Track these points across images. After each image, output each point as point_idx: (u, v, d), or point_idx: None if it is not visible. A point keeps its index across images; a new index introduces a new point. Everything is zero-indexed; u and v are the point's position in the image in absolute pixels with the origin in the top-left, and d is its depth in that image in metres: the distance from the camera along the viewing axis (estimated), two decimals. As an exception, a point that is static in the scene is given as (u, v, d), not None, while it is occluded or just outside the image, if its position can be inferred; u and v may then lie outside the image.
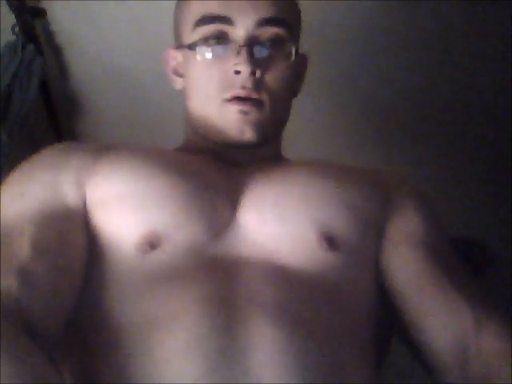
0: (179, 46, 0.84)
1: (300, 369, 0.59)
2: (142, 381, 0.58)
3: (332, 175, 0.78)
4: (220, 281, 0.65)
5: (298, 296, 0.66)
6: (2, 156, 1.23)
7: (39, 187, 0.72)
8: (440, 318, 0.70)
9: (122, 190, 0.71)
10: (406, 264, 0.74)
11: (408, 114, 1.49)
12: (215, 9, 0.77)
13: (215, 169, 0.78)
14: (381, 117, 1.51)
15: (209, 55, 0.77)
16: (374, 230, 0.75)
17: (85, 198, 0.72)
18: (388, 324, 0.76)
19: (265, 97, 0.77)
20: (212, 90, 0.77)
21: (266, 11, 0.77)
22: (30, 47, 1.31)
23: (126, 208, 0.70)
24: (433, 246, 0.76)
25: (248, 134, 0.77)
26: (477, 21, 1.27)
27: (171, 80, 0.88)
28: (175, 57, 0.86)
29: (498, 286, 2.11)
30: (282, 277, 0.67)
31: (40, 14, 1.29)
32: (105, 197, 0.71)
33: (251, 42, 0.76)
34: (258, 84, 0.76)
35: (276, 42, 0.78)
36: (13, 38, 1.30)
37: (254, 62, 0.75)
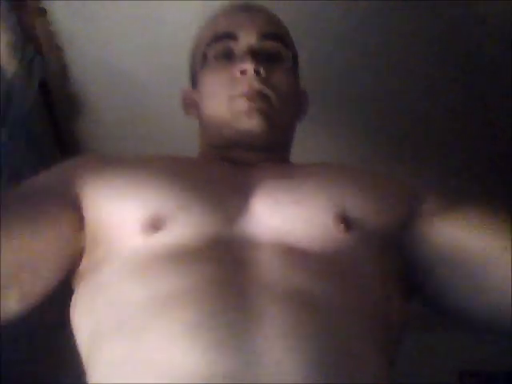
0: (193, 79, 0.93)
1: (305, 349, 0.59)
2: (152, 357, 0.60)
3: (351, 167, 0.83)
4: (230, 261, 0.66)
5: (309, 277, 0.66)
6: (1, 156, 1.23)
7: (40, 179, 0.76)
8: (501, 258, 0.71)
9: (123, 176, 0.74)
10: (445, 226, 0.75)
11: (408, 115, 1.49)
12: (221, 28, 0.86)
13: (225, 166, 0.81)
14: (380, 117, 1.51)
15: (217, 66, 0.84)
16: (391, 211, 0.75)
17: (83, 187, 0.75)
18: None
19: (271, 93, 0.81)
20: (220, 92, 0.83)
21: (264, 27, 0.85)
22: (30, 47, 1.31)
23: (129, 193, 0.72)
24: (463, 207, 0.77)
25: (256, 121, 0.80)
26: (477, 21, 1.27)
27: (186, 113, 0.97)
28: (190, 95, 0.94)
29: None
30: (294, 258, 0.67)
31: (40, 13, 1.29)
32: (107, 184, 0.74)
33: (253, 50, 0.82)
34: (263, 81, 0.81)
35: (275, 53, 0.85)
36: (13, 38, 1.30)
37: (258, 62, 0.80)
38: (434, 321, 2.15)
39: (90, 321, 0.70)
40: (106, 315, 0.67)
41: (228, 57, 0.84)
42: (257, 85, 0.80)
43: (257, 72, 0.80)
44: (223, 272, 0.65)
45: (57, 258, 0.72)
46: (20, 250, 0.67)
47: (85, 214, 0.74)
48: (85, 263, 0.74)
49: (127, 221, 0.70)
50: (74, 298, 0.75)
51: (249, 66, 0.80)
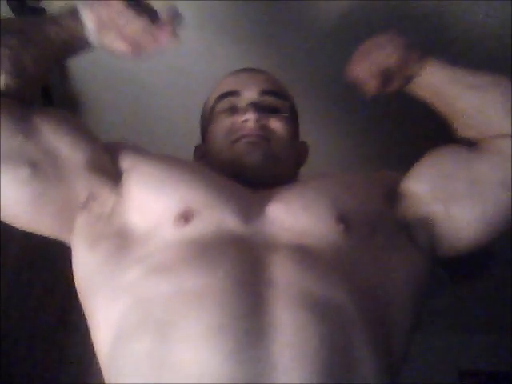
0: (203, 135, 1.03)
1: (314, 357, 0.65)
2: (179, 355, 0.65)
3: (342, 174, 0.94)
4: (248, 262, 0.72)
5: (319, 277, 0.72)
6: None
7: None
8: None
9: (164, 170, 0.83)
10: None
11: (408, 115, 1.49)
12: (226, 87, 0.97)
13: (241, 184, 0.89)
14: (381, 117, 1.51)
15: (223, 118, 0.94)
16: (379, 201, 0.86)
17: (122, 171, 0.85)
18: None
19: (271, 136, 0.91)
20: (225, 138, 0.92)
21: (265, 85, 0.96)
22: (30, 47, 1.31)
23: (168, 186, 0.80)
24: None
25: (257, 156, 0.88)
26: (477, 20, 1.27)
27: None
28: (200, 149, 1.03)
29: (498, 285, 2.12)
30: (306, 259, 0.74)
31: (40, 13, 1.29)
32: (146, 176, 0.83)
33: (254, 103, 0.92)
34: (264, 128, 0.90)
35: (273, 106, 0.95)
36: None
37: (258, 113, 0.90)
38: (434, 321, 2.15)
39: (117, 313, 0.73)
40: (134, 309, 0.71)
41: (232, 111, 0.93)
42: (257, 129, 0.89)
43: (257, 121, 0.90)
44: (242, 272, 0.71)
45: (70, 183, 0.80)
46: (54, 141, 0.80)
47: (124, 186, 0.82)
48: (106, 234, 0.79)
49: (164, 210, 0.78)
50: (92, 290, 0.78)
51: (250, 116, 0.90)
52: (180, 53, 1.33)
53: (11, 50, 0.80)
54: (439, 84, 0.91)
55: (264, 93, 0.95)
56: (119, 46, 0.86)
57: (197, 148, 1.05)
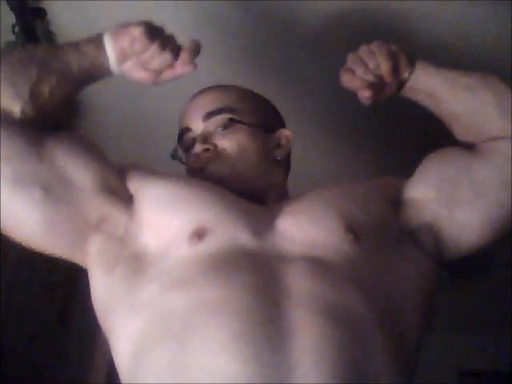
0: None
1: (332, 364, 0.67)
2: (200, 361, 0.67)
3: (347, 184, 0.96)
4: (264, 274, 0.74)
5: (333, 286, 0.74)
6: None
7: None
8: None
9: (174, 191, 0.86)
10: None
11: (408, 116, 1.49)
12: (181, 125, 1.00)
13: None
14: (381, 117, 1.51)
15: (187, 159, 0.98)
16: (384, 207, 0.88)
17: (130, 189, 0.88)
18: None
19: (220, 157, 0.93)
20: (193, 174, 0.95)
21: (207, 107, 0.97)
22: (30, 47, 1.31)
23: (180, 207, 0.84)
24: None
25: (217, 167, 0.91)
26: (477, 21, 1.27)
27: None
28: None
29: (498, 285, 2.12)
30: (319, 269, 0.76)
31: (40, 13, 1.29)
32: (158, 198, 0.86)
33: (202, 133, 0.95)
34: (215, 153, 0.93)
35: (223, 123, 0.95)
36: (13, 38, 1.31)
37: (204, 142, 0.94)
38: (434, 321, 2.15)
39: (137, 330, 0.75)
40: (154, 324, 0.74)
41: (189, 149, 0.97)
42: (203, 154, 0.93)
43: (207, 150, 0.93)
44: (258, 282, 0.73)
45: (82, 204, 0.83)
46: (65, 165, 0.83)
47: (135, 208, 0.85)
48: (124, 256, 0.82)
49: (178, 229, 0.80)
50: (110, 310, 0.81)
51: (198, 148, 0.94)
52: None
53: (30, 80, 0.83)
54: (431, 87, 0.92)
55: (207, 117, 0.96)
56: (139, 75, 0.88)
57: None
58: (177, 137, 1.00)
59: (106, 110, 1.53)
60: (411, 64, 0.91)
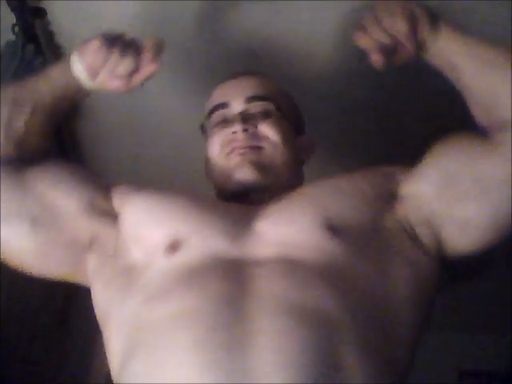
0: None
1: (294, 365, 0.65)
2: (164, 372, 0.68)
3: (333, 179, 0.92)
4: (234, 280, 0.74)
5: (303, 286, 0.73)
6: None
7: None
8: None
9: (151, 205, 0.87)
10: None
11: (407, 115, 1.49)
12: (216, 100, 1.00)
13: (237, 204, 0.91)
14: (381, 117, 1.51)
15: (216, 132, 0.97)
16: (372, 203, 0.85)
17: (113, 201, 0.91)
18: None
19: (264, 143, 0.93)
20: (218, 152, 0.96)
21: (250, 91, 0.98)
22: (30, 47, 1.31)
23: (156, 220, 0.85)
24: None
25: (248, 173, 0.91)
26: (477, 21, 1.27)
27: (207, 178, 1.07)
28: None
29: (498, 286, 2.11)
30: (290, 270, 0.75)
31: (40, 13, 1.29)
32: (137, 212, 0.87)
33: (242, 113, 0.95)
34: (253, 135, 0.93)
35: (262, 111, 0.96)
36: (13, 37, 1.30)
37: (245, 122, 0.93)
38: (434, 321, 2.15)
39: (121, 342, 0.77)
40: (133, 335, 0.75)
41: (223, 123, 0.97)
42: (248, 140, 0.92)
43: (246, 130, 0.92)
44: (226, 289, 0.73)
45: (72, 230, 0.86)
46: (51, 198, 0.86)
47: (121, 224, 0.87)
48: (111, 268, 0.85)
49: (156, 242, 0.81)
50: (105, 323, 0.83)
51: (238, 127, 0.93)
52: (181, 52, 1.33)
53: (3, 120, 0.88)
54: (449, 54, 0.86)
55: (250, 99, 0.97)
56: (111, 84, 0.90)
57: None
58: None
59: (106, 110, 1.53)
60: (434, 28, 0.85)
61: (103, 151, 1.67)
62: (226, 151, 0.94)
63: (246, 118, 0.94)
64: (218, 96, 1.01)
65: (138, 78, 0.90)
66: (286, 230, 0.80)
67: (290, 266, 0.76)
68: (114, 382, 0.79)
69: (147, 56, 0.88)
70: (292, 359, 0.65)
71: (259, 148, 0.93)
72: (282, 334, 0.67)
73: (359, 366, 0.67)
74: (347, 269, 0.76)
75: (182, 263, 0.78)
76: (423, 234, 0.83)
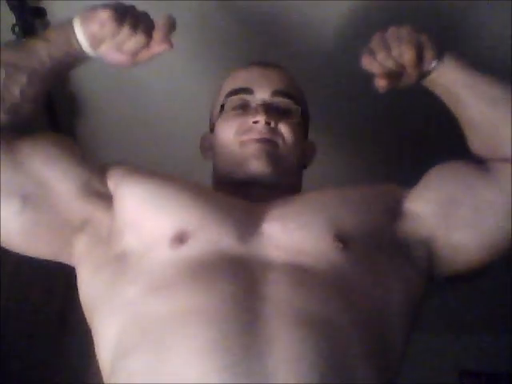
0: (211, 125, 1.01)
1: (309, 374, 0.66)
2: (173, 372, 0.66)
3: (342, 189, 0.92)
4: (244, 281, 0.73)
5: (315, 295, 0.73)
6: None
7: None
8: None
9: (158, 192, 0.84)
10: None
11: (408, 115, 1.49)
12: (240, 83, 0.97)
13: (239, 199, 0.89)
14: (381, 117, 1.51)
15: (234, 115, 0.94)
16: (379, 216, 0.86)
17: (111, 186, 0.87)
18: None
19: (279, 141, 0.92)
20: (234, 137, 0.92)
21: (278, 85, 0.96)
22: (30, 47, 1.31)
23: (164, 209, 0.81)
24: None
25: (263, 165, 0.89)
26: (477, 20, 1.27)
27: (203, 157, 1.05)
28: (208, 139, 1.03)
29: (498, 285, 2.11)
30: (302, 277, 0.75)
31: (40, 14, 1.29)
32: (141, 197, 0.84)
33: (266, 104, 0.92)
34: (273, 131, 0.91)
35: (285, 108, 0.95)
36: (13, 38, 1.30)
37: (269, 115, 0.91)
38: (434, 321, 2.15)
39: (116, 331, 0.74)
40: (132, 327, 0.73)
41: (244, 108, 0.94)
42: (267, 133, 0.90)
43: (268, 123, 0.90)
44: (237, 290, 0.72)
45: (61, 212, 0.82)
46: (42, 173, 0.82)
47: (116, 207, 0.84)
48: (106, 253, 0.82)
49: (160, 231, 0.78)
50: (94, 310, 0.80)
51: (261, 118, 0.90)
52: (181, 52, 1.33)
53: None
54: (454, 87, 0.88)
55: (276, 93, 0.94)
56: (115, 58, 0.86)
57: (204, 138, 1.05)
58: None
59: (106, 110, 1.53)
60: (438, 57, 0.86)
61: (103, 151, 1.67)
62: (241, 139, 0.92)
63: (269, 111, 0.91)
64: (241, 79, 0.98)
65: (145, 55, 0.86)
66: (297, 236, 0.79)
67: (302, 273, 0.75)
68: (105, 379, 0.76)
69: (159, 35, 0.83)
70: (307, 368, 0.66)
71: (276, 144, 0.92)
72: (297, 344, 0.67)
73: (367, 375, 0.70)
74: (354, 282, 0.77)
75: (189, 256, 0.76)
76: (418, 253, 0.85)
